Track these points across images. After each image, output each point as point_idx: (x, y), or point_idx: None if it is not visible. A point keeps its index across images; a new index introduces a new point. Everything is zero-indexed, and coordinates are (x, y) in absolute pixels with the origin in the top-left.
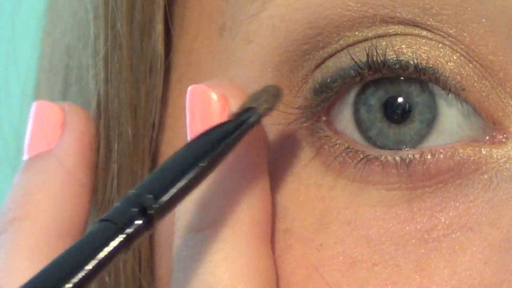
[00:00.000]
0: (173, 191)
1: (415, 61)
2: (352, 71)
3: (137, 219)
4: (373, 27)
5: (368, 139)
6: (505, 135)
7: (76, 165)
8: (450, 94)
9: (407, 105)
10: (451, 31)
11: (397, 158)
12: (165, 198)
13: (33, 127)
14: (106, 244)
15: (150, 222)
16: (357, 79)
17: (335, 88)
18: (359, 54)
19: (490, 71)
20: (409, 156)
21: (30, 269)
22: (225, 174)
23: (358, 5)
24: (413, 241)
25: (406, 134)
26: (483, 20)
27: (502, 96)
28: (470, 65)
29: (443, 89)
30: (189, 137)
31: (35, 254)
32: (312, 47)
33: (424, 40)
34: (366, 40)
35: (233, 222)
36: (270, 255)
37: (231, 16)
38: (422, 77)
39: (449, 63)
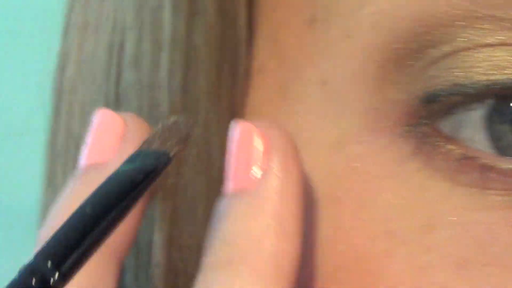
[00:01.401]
0: (74, 256)
1: None
2: (471, 89)
3: None
4: (486, 32)
5: (497, 149)
6: None
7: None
8: None
9: None
10: None
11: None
12: (67, 265)
13: (92, 135)
14: None
15: None
16: (479, 98)
17: (450, 103)
18: (473, 70)
19: None
20: None
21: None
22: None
23: (470, 5)
24: None
25: None
26: None
27: None
28: None
29: None
30: (230, 177)
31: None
32: (420, 45)
33: None
34: (479, 47)
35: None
36: None
37: (324, 8)
38: None
39: None
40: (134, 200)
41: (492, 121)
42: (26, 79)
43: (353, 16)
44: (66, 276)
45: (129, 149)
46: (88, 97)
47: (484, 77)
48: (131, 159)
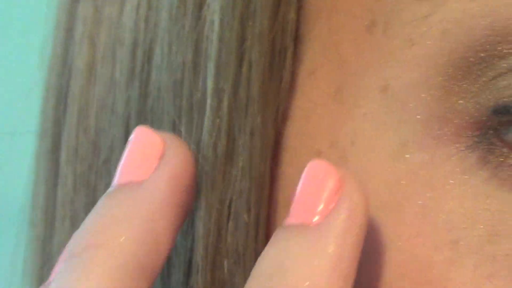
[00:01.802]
0: None
1: None
2: None
3: None
4: None
5: None
6: None
7: (166, 203)
8: None
9: None
10: None
11: None
12: None
13: (129, 153)
14: None
15: None
16: None
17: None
18: None
19: None
20: None
21: None
22: None
23: None
24: None
25: None
26: None
27: None
28: None
29: None
30: (292, 212)
31: (106, 286)
32: (491, 55)
33: None
34: None
35: None
36: None
37: (384, 14)
38: None
39: None
40: None
41: None
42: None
43: (420, 24)
44: None
45: (166, 171)
46: (105, 99)
47: None
48: None
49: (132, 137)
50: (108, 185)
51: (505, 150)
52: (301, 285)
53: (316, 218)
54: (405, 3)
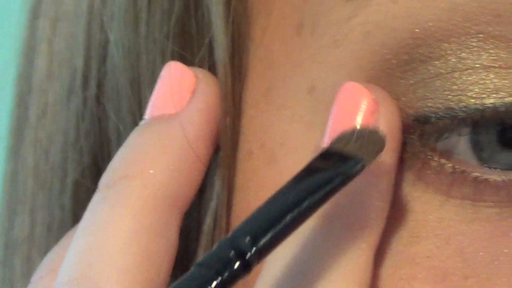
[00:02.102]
0: (271, 235)
1: None
2: (462, 113)
3: (234, 264)
4: (475, 50)
5: (480, 160)
6: None
7: (198, 135)
8: None
9: None
10: None
11: (506, 179)
12: (263, 241)
13: (161, 86)
14: None
15: (247, 266)
16: (470, 121)
17: (442, 125)
18: (470, 93)
19: None
20: None
21: (131, 230)
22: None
23: (463, 21)
24: (507, 257)
25: None
26: None
27: None
28: None
29: None
30: (329, 133)
31: (139, 216)
32: (412, 58)
33: None
34: (472, 68)
35: None
36: None
37: (312, 15)
38: None
39: None
40: (328, 196)
41: (476, 133)
42: None
43: (344, 25)
44: (262, 253)
45: (199, 103)
46: (63, 88)
47: (477, 101)
48: (326, 154)
49: (163, 72)
50: (63, 183)
51: (429, 153)
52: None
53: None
54: (331, 4)
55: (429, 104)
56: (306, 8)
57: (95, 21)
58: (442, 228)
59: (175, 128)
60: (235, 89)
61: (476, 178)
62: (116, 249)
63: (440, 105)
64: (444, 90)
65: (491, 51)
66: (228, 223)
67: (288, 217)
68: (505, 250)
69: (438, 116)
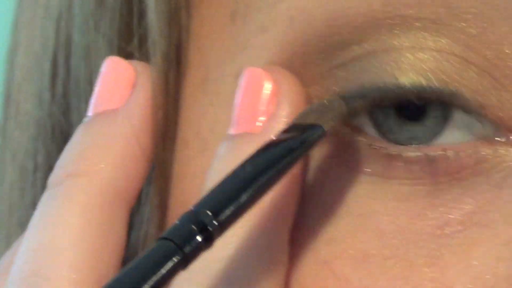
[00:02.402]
0: (232, 208)
1: (438, 88)
2: (373, 94)
3: (196, 237)
4: (395, 35)
5: (382, 134)
6: None
7: (141, 129)
8: (469, 114)
9: (421, 103)
10: (474, 31)
11: (419, 154)
12: (225, 215)
13: (102, 83)
14: (165, 263)
15: (209, 240)
16: (377, 103)
17: (358, 106)
18: (380, 73)
19: (509, 76)
20: (432, 153)
21: (79, 226)
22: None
23: (382, 6)
24: (425, 236)
25: (418, 131)
26: (507, 16)
27: None
28: (489, 78)
29: (463, 111)
30: (236, 118)
31: (87, 212)
32: (328, 46)
33: (444, 57)
34: (386, 51)
35: None
36: None
37: (245, 2)
38: (441, 99)
39: (468, 81)
40: (289, 166)
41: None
42: None
43: (272, 10)
44: (224, 226)
45: (140, 97)
46: (35, 86)
47: (393, 81)
48: (286, 130)
49: (102, 67)
50: (34, 176)
51: (345, 129)
52: None
53: (257, 125)
54: None
55: (345, 86)
56: None
57: (63, 22)
58: (359, 206)
59: (118, 123)
60: (175, 81)
61: (387, 154)
62: (65, 246)
63: (355, 86)
64: (361, 71)
65: (410, 32)
66: (164, 214)
67: (249, 189)
68: (424, 230)
69: (353, 95)
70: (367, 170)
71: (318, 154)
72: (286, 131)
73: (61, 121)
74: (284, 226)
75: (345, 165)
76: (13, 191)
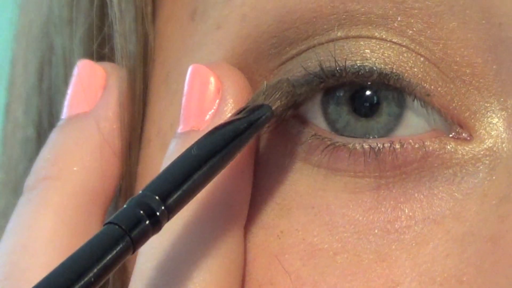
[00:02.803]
0: (179, 193)
1: (379, 68)
2: (316, 79)
3: (144, 222)
4: (341, 27)
5: (336, 130)
6: (470, 134)
7: (112, 130)
8: (415, 100)
9: (375, 98)
10: (421, 26)
11: (366, 146)
12: (172, 200)
13: (74, 86)
14: (113, 248)
15: (157, 224)
16: (322, 86)
17: (300, 93)
18: (324, 59)
19: (456, 70)
20: (378, 145)
21: (54, 228)
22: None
23: (330, 2)
24: (376, 231)
25: (373, 127)
26: (456, 12)
27: (468, 95)
28: (435, 69)
29: (409, 95)
30: (182, 117)
31: (62, 214)
32: (280, 41)
33: (388, 44)
34: (332, 41)
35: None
36: None
37: (204, 0)
38: (387, 83)
39: (414, 69)
40: (237, 147)
41: (328, 103)
42: None
43: (226, 7)
44: (171, 210)
45: (110, 98)
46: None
47: (333, 64)
48: (237, 112)
49: (74, 71)
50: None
51: (292, 120)
52: None
53: (203, 121)
54: None
55: (292, 74)
56: None
57: (49, 28)
58: (310, 199)
59: (90, 125)
60: (142, 80)
61: (332, 145)
62: (40, 247)
63: (299, 73)
64: (306, 60)
65: (357, 27)
66: None
67: (196, 173)
68: (375, 224)
69: (300, 83)
70: (311, 160)
71: (266, 146)
72: (236, 114)
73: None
74: (237, 218)
75: (292, 157)
76: None
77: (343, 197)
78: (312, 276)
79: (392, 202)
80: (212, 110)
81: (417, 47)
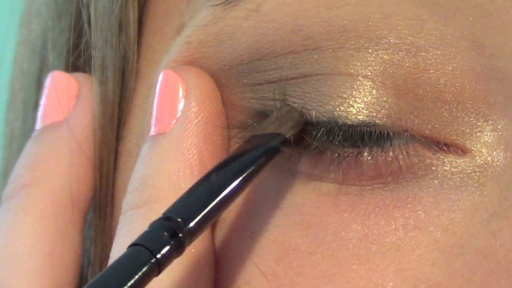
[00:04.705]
0: (202, 215)
1: (346, 123)
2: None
3: (168, 244)
4: (311, 61)
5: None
6: (460, 149)
7: (87, 137)
8: (395, 140)
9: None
10: (395, 59)
11: (347, 151)
12: (194, 222)
13: (47, 97)
14: (139, 269)
15: (180, 246)
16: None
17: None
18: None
19: (432, 91)
20: (360, 151)
21: (34, 235)
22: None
23: (303, 39)
24: (352, 233)
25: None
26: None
27: (453, 115)
28: (408, 98)
29: (387, 139)
30: (153, 121)
31: (41, 221)
32: (251, 68)
33: (355, 84)
34: (303, 77)
35: None
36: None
37: (189, 19)
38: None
39: (384, 110)
40: (254, 173)
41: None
42: None
43: (205, 31)
44: (194, 233)
45: (84, 106)
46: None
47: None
48: (248, 140)
49: (47, 81)
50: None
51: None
52: (165, 188)
53: (171, 125)
54: (200, 10)
55: (260, 101)
56: (187, 10)
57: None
58: (279, 200)
59: (65, 133)
60: (117, 91)
61: (316, 149)
62: (21, 254)
63: (268, 100)
64: (269, 86)
65: (325, 60)
66: (109, 222)
67: (217, 198)
68: (350, 226)
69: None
70: (281, 163)
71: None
72: (248, 141)
73: None
74: None
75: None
76: None
77: (313, 198)
78: (289, 276)
79: (364, 206)
80: (179, 113)
81: (386, 78)
